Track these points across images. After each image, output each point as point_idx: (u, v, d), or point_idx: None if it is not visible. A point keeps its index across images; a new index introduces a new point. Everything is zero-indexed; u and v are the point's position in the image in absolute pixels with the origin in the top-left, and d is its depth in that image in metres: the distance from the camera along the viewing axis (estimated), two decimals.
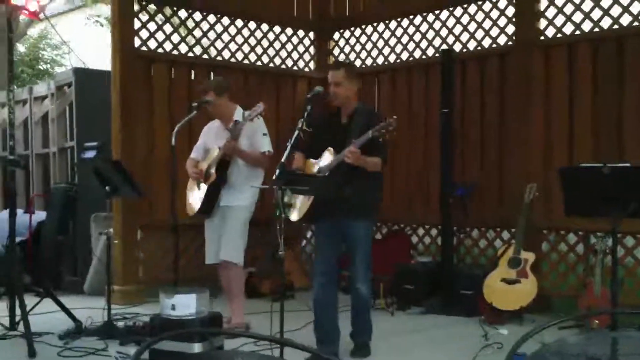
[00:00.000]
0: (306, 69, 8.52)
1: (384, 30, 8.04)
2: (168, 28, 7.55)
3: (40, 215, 7.67)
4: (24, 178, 8.97)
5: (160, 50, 7.34)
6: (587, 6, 6.39)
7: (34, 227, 7.39)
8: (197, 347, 4.17)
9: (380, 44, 8.08)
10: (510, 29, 6.95)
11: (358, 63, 8.28)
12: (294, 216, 4.73)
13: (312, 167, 4.84)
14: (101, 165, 5.50)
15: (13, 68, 5.80)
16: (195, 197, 5.54)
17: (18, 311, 4.99)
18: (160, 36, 7.34)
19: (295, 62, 8.42)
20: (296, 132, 4.53)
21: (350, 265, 4.79)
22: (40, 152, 8.92)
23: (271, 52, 8.21)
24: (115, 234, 6.45)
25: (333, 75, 4.78)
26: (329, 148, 4.72)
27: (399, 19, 7.89)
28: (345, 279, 5.57)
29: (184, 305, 4.42)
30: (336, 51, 8.58)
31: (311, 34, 8.57)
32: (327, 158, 4.73)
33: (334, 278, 4.87)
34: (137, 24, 7.08)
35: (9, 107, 5.45)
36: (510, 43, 6.95)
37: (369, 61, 8.21)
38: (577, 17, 6.42)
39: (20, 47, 16.86)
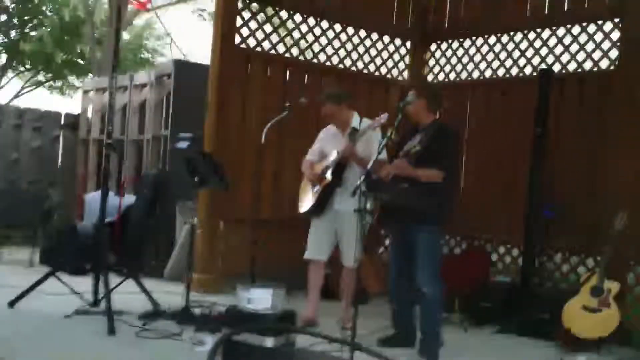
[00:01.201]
0: (399, 78, 8.52)
1: (483, 44, 7.96)
2: (267, 27, 7.69)
3: (129, 198, 7.93)
4: (117, 162, 9.29)
5: (258, 48, 7.47)
6: None
7: (123, 210, 7.65)
8: (269, 342, 4.23)
9: (477, 58, 8.00)
10: (614, 53, 6.76)
11: (452, 76, 8.24)
12: None
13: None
14: (192, 156, 5.65)
15: (118, 56, 6.04)
16: (308, 197, 5.67)
17: (101, 289, 5.19)
18: (259, 35, 7.48)
19: (389, 70, 8.44)
20: (384, 140, 4.62)
21: (416, 271, 4.89)
22: (136, 138, 9.23)
23: (366, 58, 8.25)
24: (199, 224, 6.62)
25: (408, 95, 5.00)
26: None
27: (498, 34, 7.80)
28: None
29: (260, 299, 4.50)
30: (432, 62, 8.54)
31: (408, 43, 8.57)
32: None
33: (408, 278, 5.00)
34: (238, 21, 7.22)
35: (110, 93, 5.66)
36: (612, 68, 6.77)
37: (464, 74, 8.15)
38: None
39: (125, 35, 17.46)
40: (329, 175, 5.51)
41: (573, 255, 6.88)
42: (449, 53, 8.32)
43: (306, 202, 5.68)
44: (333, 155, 5.53)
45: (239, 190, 6.98)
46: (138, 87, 9.35)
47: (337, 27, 8.00)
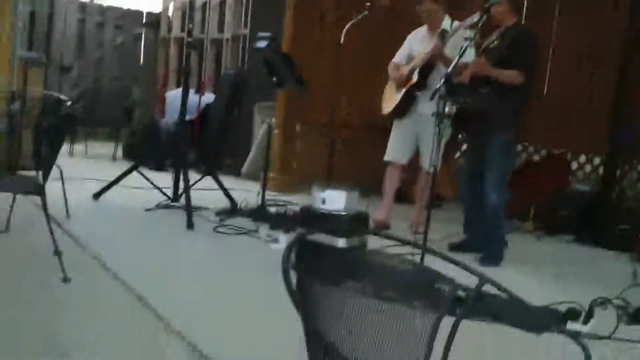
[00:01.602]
0: None
1: None
2: None
3: (209, 97, 8.02)
4: (197, 60, 9.37)
5: None
6: None
7: (202, 108, 7.76)
8: (341, 242, 4.28)
9: None
10: None
11: None
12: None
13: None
14: (271, 56, 5.62)
15: None
16: (393, 98, 5.61)
17: (181, 185, 5.34)
18: None
19: None
20: (466, 43, 4.47)
21: (483, 177, 4.84)
22: (215, 37, 9.25)
23: None
24: (277, 124, 6.66)
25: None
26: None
27: None
28: None
29: (334, 200, 4.52)
30: None
31: None
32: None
33: (477, 186, 4.95)
34: None
35: None
36: None
37: None
38: None
39: None
40: (415, 76, 5.41)
41: None
42: None
43: (390, 103, 5.61)
44: (420, 57, 5.42)
45: (316, 93, 6.95)
46: None
47: None
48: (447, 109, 4.38)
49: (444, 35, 5.21)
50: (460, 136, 6.54)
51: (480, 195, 5.00)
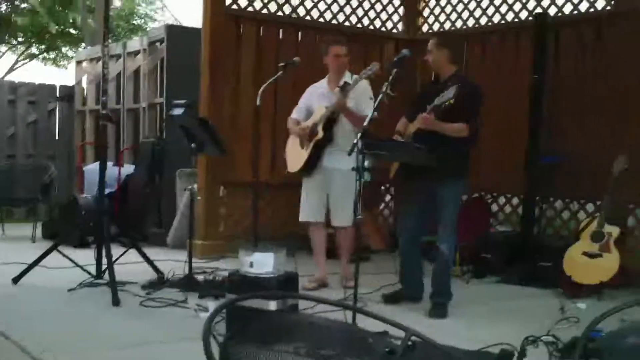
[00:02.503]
0: (394, 31, 8.39)
1: None
2: None
3: (128, 168, 7.91)
4: (114, 132, 9.24)
5: (250, 9, 7.37)
6: None
7: (123, 180, 7.63)
8: (272, 305, 4.22)
9: (472, 5, 7.86)
10: None
11: (448, 25, 8.10)
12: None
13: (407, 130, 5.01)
14: (188, 122, 5.59)
15: (109, 24, 5.94)
16: (298, 155, 5.61)
17: (105, 261, 5.19)
18: None
19: (383, 23, 8.31)
20: (380, 96, 4.53)
21: (437, 225, 4.93)
22: (131, 106, 9.17)
23: (360, 12, 8.12)
24: (199, 190, 6.59)
25: (428, 44, 5.02)
26: (420, 113, 4.81)
27: None
28: (430, 246, 5.55)
29: (262, 263, 4.47)
30: (426, 12, 8.40)
31: None
32: (416, 122, 4.85)
33: (419, 235, 5.08)
34: None
35: (103, 63, 5.57)
36: (608, 8, 6.64)
37: (459, 23, 8.01)
38: None
39: (117, 2, 17.28)
40: (320, 131, 5.42)
41: (573, 201, 6.86)
42: (443, 2, 8.18)
43: (296, 160, 5.61)
44: (322, 111, 5.45)
45: (237, 154, 6.96)
46: (131, 54, 9.27)
47: None
48: (366, 163, 4.42)
49: (345, 89, 5.27)
50: (382, 187, 6.62)
51: (418, 247, 5.07)
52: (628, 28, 6.32)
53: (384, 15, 8.28)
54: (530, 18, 7.11)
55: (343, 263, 5.70)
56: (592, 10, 6.78)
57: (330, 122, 5.41)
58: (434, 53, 4.93)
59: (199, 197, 6.51)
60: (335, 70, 5.60)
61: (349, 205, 5.34)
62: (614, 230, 5.64)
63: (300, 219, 5.70)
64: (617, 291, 5.50)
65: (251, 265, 4.48)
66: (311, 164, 5.52)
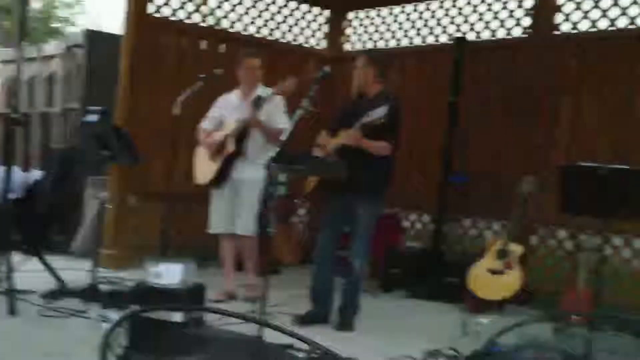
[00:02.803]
0: (318, 47, 8.43)
1: (400, 13, 7.94)
2: None
3: (37, 174, 7.64)
4: (24, 136, 8.92)
5: (172, 18, 7.26)
6: (605, 3, 6.29)
7: (30, 186, 7.36)
8: (178, 317, 4.12)
9: (394, 27, 7.98)
10: (526, 22, 6.85)
11: (370, 45, 8.20)
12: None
13: (325, 143, 4.99)
14: (102, 130, 5.43)
15: (25, 26, 5.76)
16: (208, 167, 5.51)
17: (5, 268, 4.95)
18: (174, 3, 7.26)
19: (307, 40, 8.33)
20: (299, 112, 4.51)
21: (351, 241, 4.94)
22: (44, 111, 8.87)
23: (284, 27, 8.12)
24: (109, 198, 6.43)
25: (356, 60, 5.03)
26: (345, 129, 4.82)
27: (415, 3, 7.77)
28: (343, 260, 5.54)
29: (170, 274, 4.37)
30: (349, 31, 8.47)
31: (326, 12, 8.47)
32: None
33: (333, 251, 5.04)
34: None
35: (17, 65, 5.40)
36: (524, 35, 6.85)
37: (381, 43, 8.11)
38: (595, 14, 6.34)
39: (35, 3, 16.82)
40: (231, 144, 5.37)
41: (481, 219, 7.05)
42: (366, 22, 8.27)
43: (205, 172, 5.54)
44: (233, 124, 5.38)
45: (151, 164, 6.81)
46: (47, 58, 9.00)
47: None
48: (281, 177, 4.37)
49: (258, 102, 5.23)
50: (296, 200, 6.60)
51: (332, 264, 5.03)
52: (541, 54, 6.52)
53: (308, 32, 8.31)
54: (449, 41, 7.25)
55: (247, 273, 5.63)
56: (508, 36, 6.98)
57: (241, 135, 5.36)
58: (362, 70, 4.95)
59: (109, 206, 6.35)
60: (248, 83, 5.57)
61: (253, 215, 5.36)
62: (517, 249, 5.80)
63: (209, 231, 5.62)
64: (518, 307, 5.65)
65: (158, 276, 4.37)
66: (221, 177, 5.47)
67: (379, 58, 5.44)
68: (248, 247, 5.53)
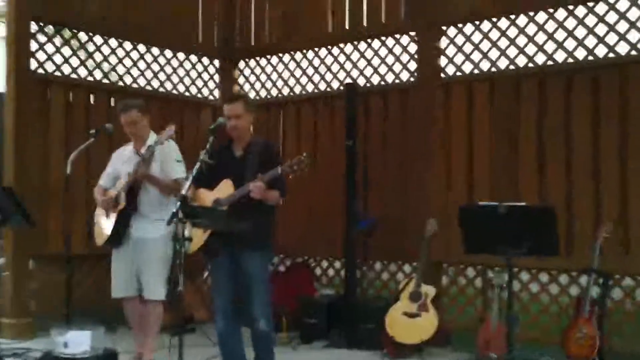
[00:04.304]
0: (210, 97, 8.43)
1: (290, 61, 8.07)
2: (67, 51, 7.30)
3: None
4: None
5: (57, 73, 7.09)
6: (485, 46, 6.62)
7: None
8: None
9: (286, 75, 8.10)
10: (413, 66, 7.09)
11: (263, 93, 8.29)
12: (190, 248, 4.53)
13: (205, 197, 4.71)
14: None
15: None
16: (105, 226, 5.30)
17: None
18: (58, 59, 7.10)
19: (199, 90, 8.33)
20: (198, 164, 4.44)
21: (248, 300, 4.67)
22: None
23: (175, 79, 8.09)
24: (6, 264, 6.15)
25: (232, 108, 4.71)
26: (226, 180, 4.62)
27: (304, 51, 7.93)
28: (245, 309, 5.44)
29: (77, 342, 4.26)
30: (241, 80, 8.54)
31: (216, 62, 8.51)
32: (225, 190, 4.63)
33: (234, 312, 4.76)
34: (34, 46, 6.84)
35: None
36: (412, 79, 7.10)
37: (274, 92, 8.21)
38: (476, 56, 6.64)
39: None
40: (122, 200, 5.18)
41: (391, 262, 7.12)
42: (258, 71, 8.36)
43: (102, 231, 5.31)
44: (125, 178, 5.21)
45: (47, 225, 6.59)
46: None
47: (142, 48, 7.78)
48: (186, 232, 4.29)
49: (144, 156, 5.08)
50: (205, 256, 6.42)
51: (238, 323, 4.78)
52: (430, 98, 6.77)
53: (199, 83, 8.31)
54: (341, 88, 7.43)
55: (147, 338, 5.26)
56: (397, 81, 7.22)
57: (133, 189, 5.17)
58: (244, 118, 4.72)
59: (6, 273, 6.08)
60: (133, 136, 5.39)
61: (162, 277, 5.13)
62: (430, 290, 5.92)
63: (112, 296, 5.32)
64: (436, 349, 5.77)
65: (66, 345, 4.25)
66: (117, 236, 5.21)
67: (253, 104, 5.20)
68: (154, 313, 5.23)
